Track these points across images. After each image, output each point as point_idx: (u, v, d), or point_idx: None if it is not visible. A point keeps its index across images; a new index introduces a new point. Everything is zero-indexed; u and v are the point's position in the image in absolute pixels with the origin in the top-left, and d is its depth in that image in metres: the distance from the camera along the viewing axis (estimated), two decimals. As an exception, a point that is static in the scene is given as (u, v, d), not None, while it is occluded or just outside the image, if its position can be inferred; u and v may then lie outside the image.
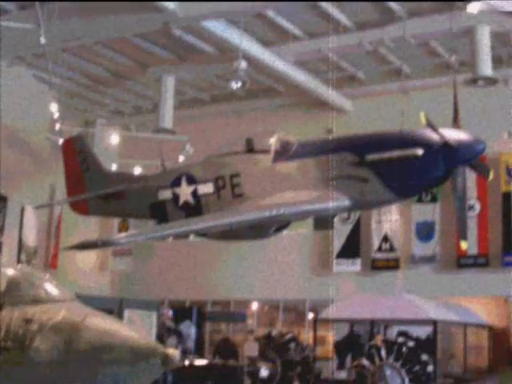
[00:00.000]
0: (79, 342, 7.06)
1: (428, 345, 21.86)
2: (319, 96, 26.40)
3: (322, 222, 14.74)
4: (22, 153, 27.81)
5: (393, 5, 21.60)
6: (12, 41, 20.46)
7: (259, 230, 14.40)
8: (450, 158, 12.55)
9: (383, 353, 20.51)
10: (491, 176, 13.61)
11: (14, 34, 19.97)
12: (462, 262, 25.39)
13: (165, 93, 26.13)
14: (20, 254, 26.86)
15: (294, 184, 13.65)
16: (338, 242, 26.97)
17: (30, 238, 27.18)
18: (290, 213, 13.37)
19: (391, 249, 26.66)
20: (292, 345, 24.56)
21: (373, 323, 23.09)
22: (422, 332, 22.26)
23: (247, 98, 28.92)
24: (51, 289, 7.87)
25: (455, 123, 13.53)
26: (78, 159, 17.60)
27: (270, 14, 22.13)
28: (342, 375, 22.86)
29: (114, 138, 29.79)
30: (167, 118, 26.23)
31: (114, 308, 20.61)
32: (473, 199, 24.75)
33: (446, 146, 12.51)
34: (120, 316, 20.57)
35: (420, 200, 25.85)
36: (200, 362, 23.24)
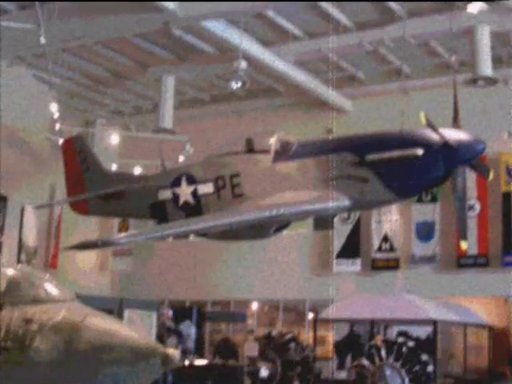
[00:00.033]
0: (79, 342, 7.06)
1: (428, 345, 21.86)
2: (319, 96, 26.41)
3: (322, 221, 14.73)
4: (22, 153, 27.83)
5: (393, 5, 21.60)
6: (12, 41, 20.46)
7: (259, 230, 14.39)
8: (450, 157, 12.55)
9: (383, 353, 20.52)
10: (491, 176, 13.61)
11: (14, 34, 19.97)
12: (462, 261, 25.39)
13: (165, 93, 26.14)
14: (20, 254, 26.82)
15: (293, 184, 13.65)
16: (337, 242, 26.97)
17: (30, 237, 27.11)
18: (290, 213, 13.37)
19: (391, 249, 26.66)
20: (292, 345, 24.56)
21: (373, 323, 23.09)
22: (422, 332, 22.26)
23: (247, 98, 28.92)
24: (51, 289, 7.87)
25: (455, 123, 13.52)
26: (78, 159, 17.59)
27: (270, 13, 22.13)
28: (342, 375, 22.86)
29: (114, 138, 29.78)
30: (167, 118, 26.24)
31: (113, 308, 20.61)
32: (473, 199, 24.75)
33: (446, 145, 12.51)
34: (120, 316, 20.57)
35: (420, 200, 25.85)
36: (200, 362, 23.25)
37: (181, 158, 25.40)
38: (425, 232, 26.14)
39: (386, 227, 26.76)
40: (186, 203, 14.92)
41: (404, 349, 20.67)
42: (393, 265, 26.53)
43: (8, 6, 20.78)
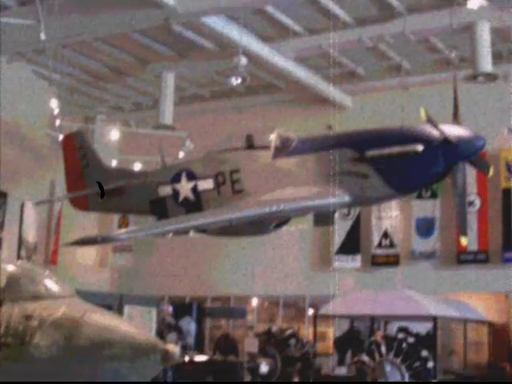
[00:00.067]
0: (79, 338, 7.05)
1: (428, 341, 21.87)
2: (319, 92, 26.42)
3: (322, 217, 14.76)
4: (22, 149, 27.81)
5: (393, 1, 21.61)
6: (12, 37, 20.45)
7: (259, 225, 14.40)
8: (450, 153, 12.54)
9: (383, 349, 20.52)
10: (491, 172, 13.61)
11: (14, 30, 19.97)
12: (462, 258, 25.40)
13: (165, 89, 26.14)
14: (20, 250, 26.89)
15: (294, 180, 13.64)
16: (338, 238, 27.01)
17: (30, 234, 27.21)
18: (290, 209, 13.37)
19: (391, 245, 26.67)
20: (292, 341, 24.58)
21: (373, 319, 23.12)
22: (422, 328, 22.28)
23: (247, 94, 28.91)
24: (51, 285, 7.86)
25: (455, 119, 13.51)
26: (77, 155, 17.59)
27: (270, 9, 22.12)
28: (342, 371, 22.86)
29: (114, 134, 29.74)
30: (167, 114, 26.23)
31: (113, 304, 20.63)
32: (473, 195, 24.76)
33: (445, 141, 12.50)
34: (120, 312, 20.60)
35: (420, 196, 25.87)
36: (200, 357, 23.27)
37: (181, 154, 25.39)
38: (425, 228, 26.14)
39: (386, 223, 26.77)
40: (185, 199, 14.92)
41: (404, 345, 20.66)
42: (393, 261, 26.54)
43: (8, 1, 20.80)
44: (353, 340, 23.49)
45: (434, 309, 22.79)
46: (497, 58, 23.46)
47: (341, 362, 23.38)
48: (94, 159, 17.52)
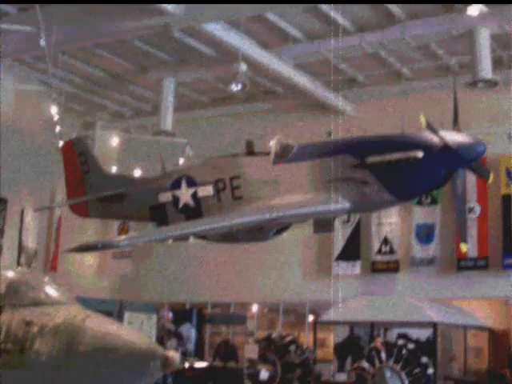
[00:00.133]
0: (79, 345, 7.06)
1: (428, 347, 21.87)
2: (319, 98, 26.44)
3: (322, 224, 14.70)
4: (22, 155, 27.78)
5: (393, 7, 21.61)
6: (12, 43, 20.48)
7: (259, 232, 14.37)
8: (450, 160, 12.53)
9: (383, 355, 20.52)
10: (491, 178, 13.60)
11: (14, 36, 19.99)
12: (462, 264, 25.37)
13: (165, 95, 26.16)
14: (20, 257, 26.89)
15: (294, 186, 13.63)
16: (338, 245, 26.97)
17: (30, 240, 27.21)
18: (290, 215, 13.36)
19: (391, 251, 26.64)
20: (292, 347, 24.55)
21: (373, 325, 23.12)
22: (422, 334, 22.29)
23: (247, 101, 28.92)
24: (51, 291, 7.87)
25: (455, 125, 13.51)
26: (78, 161, 17.55)
27: (270, 16, 22.14)
28: (342, 377, 22.89)
29: (114, 141, 29.77)
30: (167, 120, 26.25)
31: (113, 310, 20.60)
32: (473, 201, 24.76)
33: (446, 148, 12.49)
34: (120, 318, 20.56)
35: (420, 202, 25.87)
36: (200, 364, 23.25)
37: (181, 161, 25.39)
38: (425, 234, 26.12)
39: (386, 230, 26.75)
40: (186, 205, 14.90)
41: (404, 351, 20.66)
42: (393, 267, 26.51)
43: (8, 8, 20.80)
44: (353, 346, 23.48)
45: (433, 315, 22.79)
46: (497, 64, 23.48)
47: (341, 369, 23.38)
48: (94, 165, 17.49)
